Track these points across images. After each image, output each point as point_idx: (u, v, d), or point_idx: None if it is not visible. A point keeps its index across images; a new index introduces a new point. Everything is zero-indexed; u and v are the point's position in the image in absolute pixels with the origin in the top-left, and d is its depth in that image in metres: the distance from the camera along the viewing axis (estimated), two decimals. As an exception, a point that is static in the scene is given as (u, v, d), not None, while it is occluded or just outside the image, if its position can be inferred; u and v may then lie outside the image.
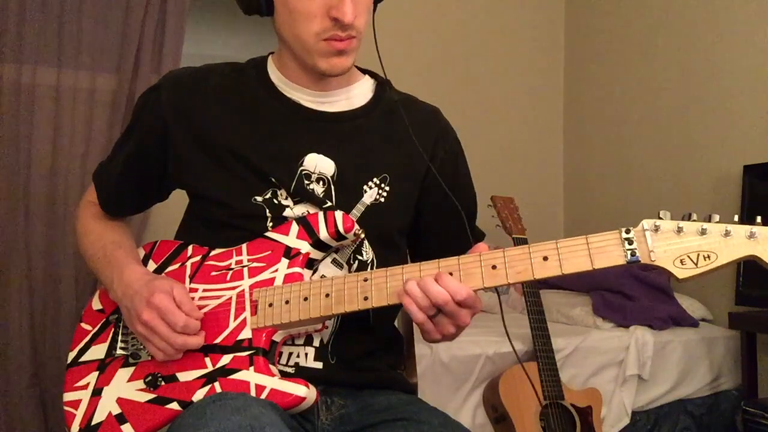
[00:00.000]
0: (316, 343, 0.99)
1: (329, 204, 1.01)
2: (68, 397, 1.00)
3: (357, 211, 1.02)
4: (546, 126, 3.39)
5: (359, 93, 1.10)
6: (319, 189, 1.02)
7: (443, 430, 0.93)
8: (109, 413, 0.95)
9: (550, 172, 3.39)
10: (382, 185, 1.04)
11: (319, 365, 0.99)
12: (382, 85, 1.12)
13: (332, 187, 1.02)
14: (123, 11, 2.35)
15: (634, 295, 2.35)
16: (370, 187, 1.03)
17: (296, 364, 0.98)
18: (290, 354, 0.98)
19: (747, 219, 0.80)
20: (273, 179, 1.01)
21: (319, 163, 1.02)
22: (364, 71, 1.13)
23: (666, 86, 2.82)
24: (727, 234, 0.80)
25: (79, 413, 0.97)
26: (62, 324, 2.24)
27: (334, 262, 1.02)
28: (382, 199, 1.04)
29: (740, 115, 2.49)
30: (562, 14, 3.44)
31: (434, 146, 1.10)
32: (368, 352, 1.04)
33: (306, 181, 1.01)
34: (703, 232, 0.80)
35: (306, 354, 0.98)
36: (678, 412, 2.22)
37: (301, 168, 1.02)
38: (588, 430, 1.87)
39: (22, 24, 2.23)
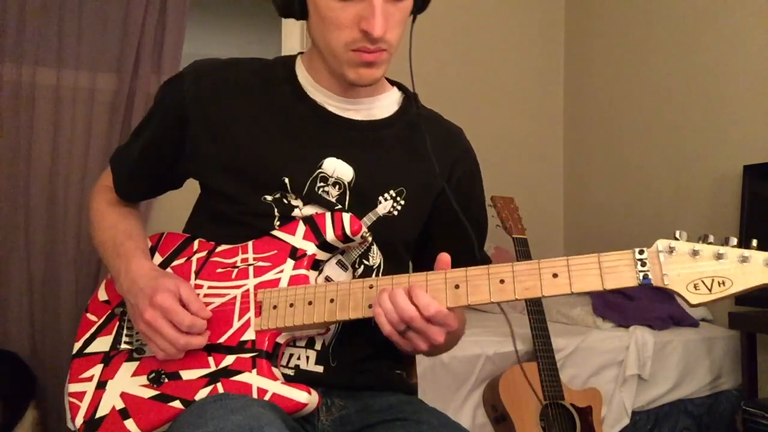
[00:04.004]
0: (318, 346, 0.99)
1: (339, 207, 1.01)
2: (73, 388, 1.00)
3: (368, 219, 1.02)
4: (546, 126, 3.39)
5: (385, 104, 1.09)
6: (334, 192, 1.01)
7: (443, 430, 0.93)
8: (113, 407, 0.95)
9: (550, 172, 3.39)
10: (398, 198, 1.04)
11: (320, 369, 0.98)
12: (409, 99, 1.11)
13: (347, 192, 1.01)
14: (123, 11, 2.36)
15: (634, 295, 2.35)
16: (386, 199, 1.03)
17: (296, 367, 0.98)
18: (291, 355, 0.98)
19: (747, 219, 0.79)
20: (285, 179, 1.00)
21: (338, 168, 1.01)
22: (393, 83, 1.13)
23: (666, 86, 2.82)
24: (744, 260, 0.77)
25: (84, 405, 0.97)
26: (62, 324, 2.24)
27: (339, 263, 1.01)
28: (396, 212, 1.03)
29: (740, 115, 2.49)
30: (562, 15, 3.44)
31: (453, 166, 1.10)
32: (369, 356, 1.04)
33: (321, 184, 1.01)
34: (719, 256, 0.78)
35: (307, 357, 0.98)
36: (678, 412, 2.22)
37: (319, 171, 1.01)
38: (588, 430, 1.87)
39: (22, 24, 2.24)
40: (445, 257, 0.91)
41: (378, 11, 0.91)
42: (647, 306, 2.32)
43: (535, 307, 1.98)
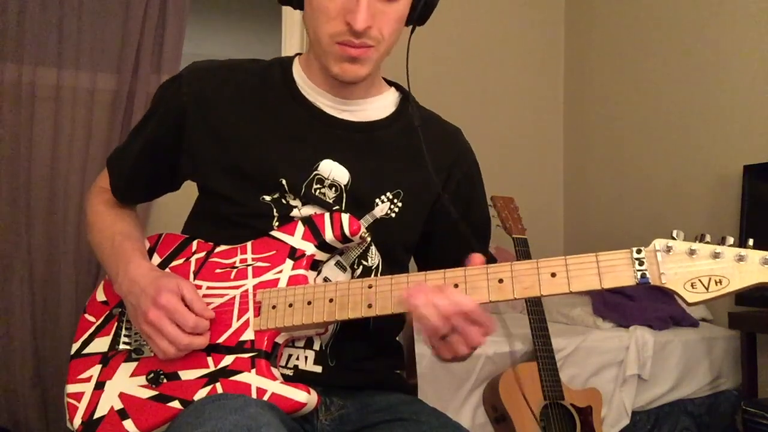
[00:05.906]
0: (316, 346, 0.99)
1: (336, 209, 1.01)
2: (71, 389, 1.00)
3: (365, 221, 1.01)
4: (546, 126, 3.39)
5: (382, 105, 1.09)
6: (330, 194, 1.01)
7: (443, 430, 0.93)
8: (111, 408, 0.95)
9: (550, 172, 3.39)
10: (395, 200, 1.04)
11: (318, 369, 0.98)
12: (406, 99, 1.11)
13: (344, 195, 1.01)
14: (123, 11, 2.36)
15: (634, 295, 2.35)
16: (383, 201, 1.03)
17: (295, 367, 0.98)
18: (290, 356, 0.98)
19: (747, 219, 0.79)
20: (283, 180, 1.00)
21: (333, 170, 1.01)
22: (391, 83, 1.13)
23: (666, 86, 2.82)
24: (740, 259, 0.78)
25: (82, 406, 0.97)
26: (62, 325, 2.25)
27: (338, 264, 1.01)
28: (393, 215, 1.03)
29: (740, 115, 2.48)
30: (562, 14, 3.44)
31: (451, 167, 1.09)
32: (368, 356, 1.04)
33: (318, 186, 1.01)
34: (716, 255, 0.78)
35: (306, 357, 0.98)
36: (678, 412, 2.22)
37: (315, 173, 1.01)
38: (588, 430, 1.87)
39: (22, 24, 2.24)
40: (477, 259, 0.88)
41: (363, 5, 0.91)
42: (647, 306, 2.32)
43: (535, 307, 1.98)
